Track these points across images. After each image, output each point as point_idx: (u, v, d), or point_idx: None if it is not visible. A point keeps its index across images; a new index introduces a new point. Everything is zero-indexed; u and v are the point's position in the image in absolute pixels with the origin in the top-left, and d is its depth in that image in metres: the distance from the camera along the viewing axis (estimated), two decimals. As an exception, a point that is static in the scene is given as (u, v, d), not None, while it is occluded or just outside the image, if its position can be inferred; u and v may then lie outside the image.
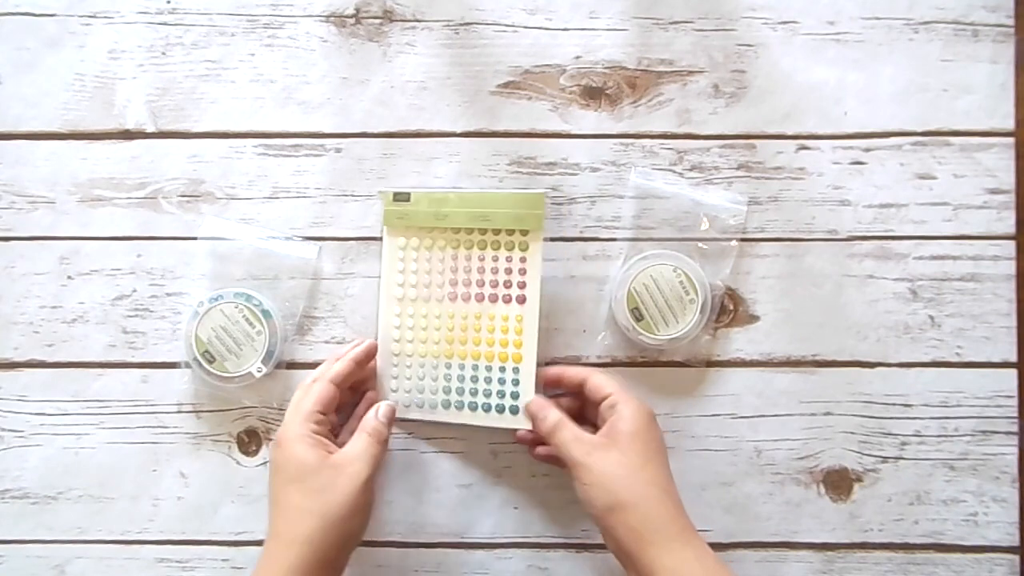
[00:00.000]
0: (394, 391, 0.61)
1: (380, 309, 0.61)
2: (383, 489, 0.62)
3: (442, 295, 0.61)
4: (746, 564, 0.62)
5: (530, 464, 0.63)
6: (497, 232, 0.60)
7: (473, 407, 0.60)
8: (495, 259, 0.60)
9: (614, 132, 0.64)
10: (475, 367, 0.60)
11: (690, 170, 0.63)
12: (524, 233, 0.59)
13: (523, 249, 0.60)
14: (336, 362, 0.58)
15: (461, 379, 0.61)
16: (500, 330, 0.60)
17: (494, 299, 0.60)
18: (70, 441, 0.63)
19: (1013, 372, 0.63)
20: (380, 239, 0.63)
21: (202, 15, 0.64)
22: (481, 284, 0.60)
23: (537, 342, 0.59)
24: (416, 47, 0.64)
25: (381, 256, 0.61)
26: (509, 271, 0.60)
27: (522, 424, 0.59)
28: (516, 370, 0.60)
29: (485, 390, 0.60)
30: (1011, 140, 0.63)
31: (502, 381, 0.60)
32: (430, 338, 0.61)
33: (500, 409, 0.60)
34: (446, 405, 0.61)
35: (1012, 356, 0.63)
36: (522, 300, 0.60)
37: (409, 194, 0.60)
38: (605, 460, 0.53)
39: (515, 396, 0.60)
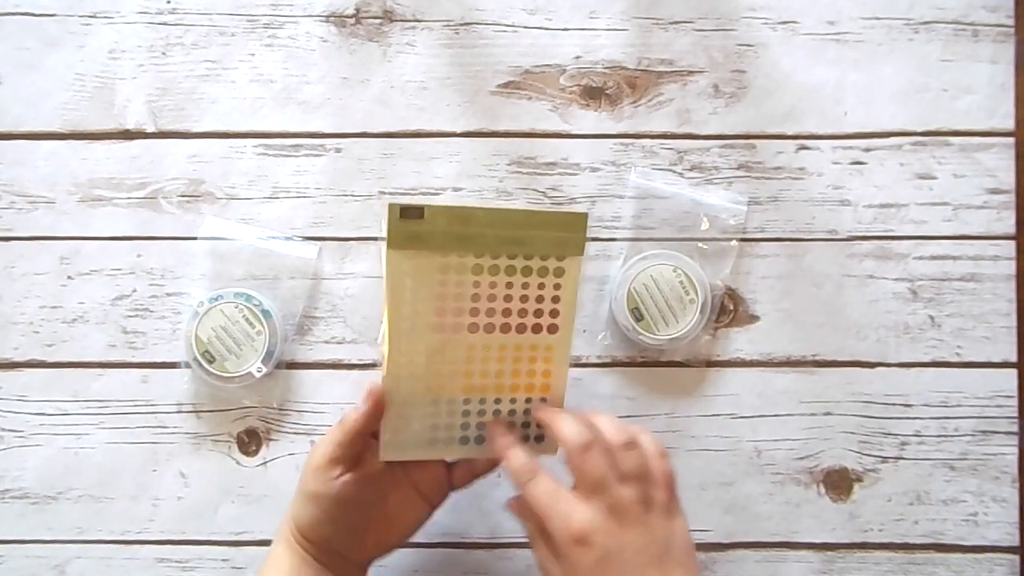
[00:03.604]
0: (402, 431, 0.53)
1: (388, 344, 0.51)
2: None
3: (460, 326, 0.51)
4: (746, 564, 0.62)
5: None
6: (530, 257, 0.50)
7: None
8: (525, 286, 0.51)
9: (614, 132, 0.64)
10: (497, 400, 0.53)
11: (690, 170, 0.63)
12: (561, 258, 0.51)
13: (558, 275, 0.51)
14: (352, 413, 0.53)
15: (481, 413, 0.53)
16: (527, 360, 0.53)
17: (522, 329, 0.52)
18: (70, 441, 0.63)
19: (1013, 372, 0.63)
20: (380, 239, 0.62)
21: (202, 15, 0.64)
22: (508, 314, 0.51)
23: (567, 371, 0.53)
24: (416, 47, 0.64)
25: (385, 281, 0.50)
26: (541, 299, 0.51)
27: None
28: (543, 400, 0.54)
29: (508, 422, 0.54)
30: (1011, 140, 0.63)
31: (527, 412, 0.54)
32: (445, 373, 0.52)
33: (525, 439, 0.54)
34: (464, 441, 0.54)
35: (1012, 356, 0.63)
36: (553, 329, 0.52)
37: (423, 209, 0.48)
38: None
39: (540, 425, 0.54)
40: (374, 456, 0.53)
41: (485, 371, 0.53)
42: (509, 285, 0.51)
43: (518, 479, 0.49)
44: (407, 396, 0.52)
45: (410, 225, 0.48)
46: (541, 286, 0.51)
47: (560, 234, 0.51)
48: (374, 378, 0.53)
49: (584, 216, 0.51)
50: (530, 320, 0.52)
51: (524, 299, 0.51)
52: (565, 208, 0.63)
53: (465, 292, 0.51)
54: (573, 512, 0.47)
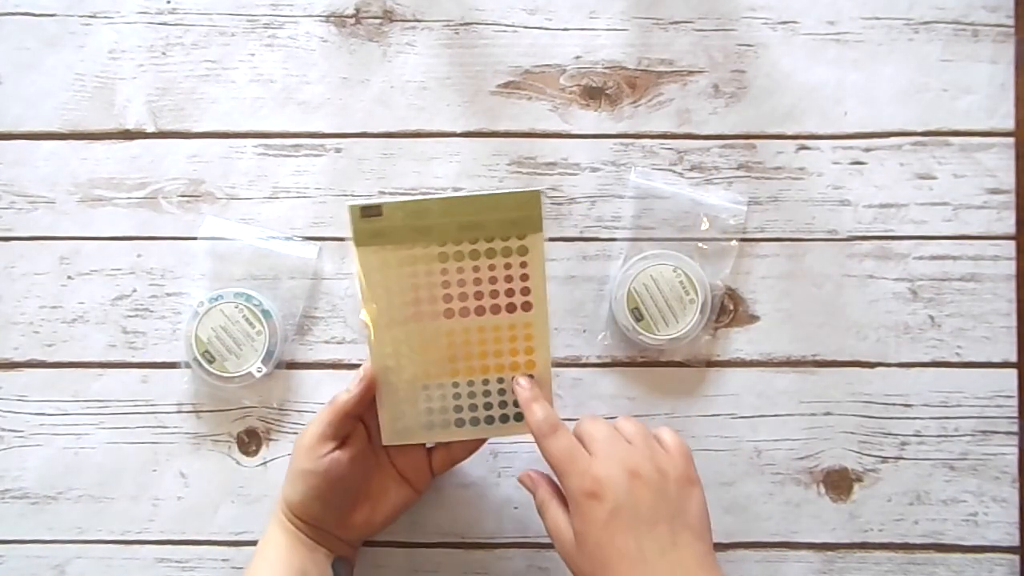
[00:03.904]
0: (399, 418, 0.56)
1: (369, 338, 0.54)
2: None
3: (436, 314, 0.54)
4: (746, 564, 0.62)
5: (530, 464, 0.63)
6: (491, 240, 0.53)
7: (489, 420, 0.56)
8: (492, 268, 0.53)
9: (614, 132, 0.64)
10: (485, 381, 0.55)
11: (690, 170, 0.63)
12: (521, 237, 0.53)
13: (522, 254, 0.53)
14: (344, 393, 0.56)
15: (472, 395, 0.56)
16: (508, 340, 0.54)
17: (496, 310, 0.54)
18: (70, 441, 0.63)
19: (1013, 372, 0.63)
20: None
21: (202, 15, 0.64)
22: (480, 297, 0.54)
23: (550, 346, 0.55)
24: (416, 47, 0.64)
25: (358, 278, 0.53)
26: (510, 278, 0.53)
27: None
28: (530, 377, 0.55)
29: (500, 402, 0.56)
30: (1011, 140, 0.63)
31: None
32: (430, 359, 0.55)
33: (518, 418, 0.56)
34: (460, 423, 0.56)
35: (1012, 356, 0.63)
36: (528, 307, 0.54)
37: (380, 207, 0.52)
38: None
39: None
40: (360, 437, 0.56)
41: (469, 354, 0.55)
42: (476, 269, 0.53)
43: (539, 431, 0.51)
44: (397, 384, 0.55)
45: (372, 223, 0.52)
46: (507, 266, 0.53)
47: (515, 214, 0.52)
48: (365, 362, 0.55)
49: (536, 194, 0.52)
50: (503, 300, 0.54)
51: (493, 280, 0.54)
52: (565, 207, 0.63)
53: (435, 280, 0.53)
54: (590, 466, 0.49)
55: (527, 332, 0.55)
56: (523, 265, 0.53)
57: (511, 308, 0.54)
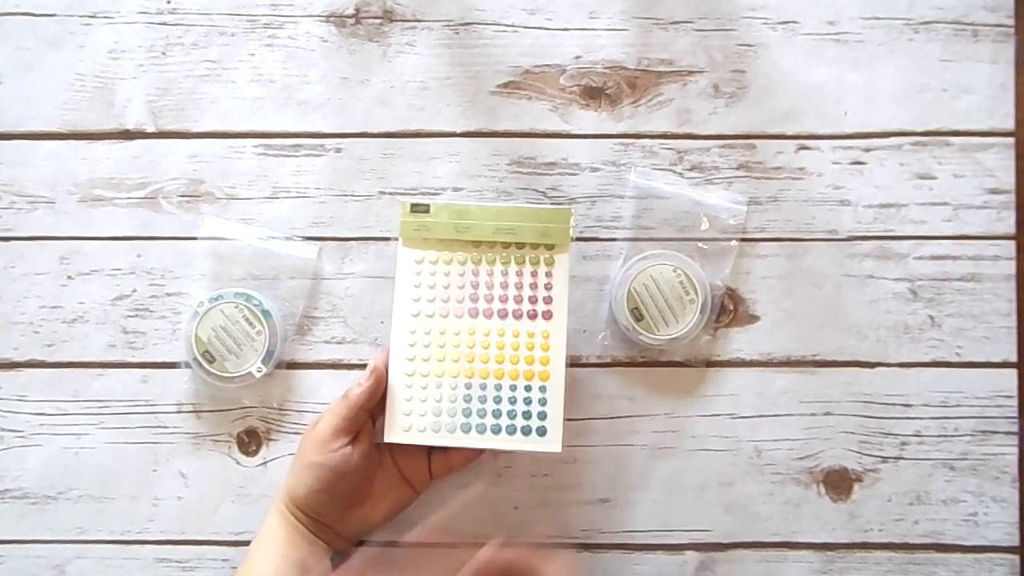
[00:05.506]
0: (407, 414, 0.57)
1: (393, 324, 0.58)
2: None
3: (462, 311, 0.58)
4: (746, 564, 0.62)
5: (530, 464, 0.63)
6: (521, 247, 0.58)
7: (496, 429, 0.57)
8: (519, 274, 0.58)
9: (614, 132, 0.64)
10: (498, 387, 0.57)
11: (690, 170, 0.63)
12: (550, 248, 0.58)
13: (549, 264, 0.58)
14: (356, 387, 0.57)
15: (483, 399, 0.57)
16: (525, 347, 0.57)
17: (518, 315, 0.57)
18: (70, 441, 0.63)
19: (1013, 372, 0.63)
20: (380, 239, 0.63)
21: (202, 15, 0.64)
22: (504, 300, 0.58)
23: (565, 359, 0.57)
24: (416, 47, 0.64)
25: (396, 268, 0.58)
26: (534, 286, 0.58)
27: (550, 446, 0.56)
28: (543, 388, 0.57)
29: (509, 411, 0.57)
30: (1011, 140, 0.63)
31: (528, 401, 0.57)
32: (448, 356, 0.57)
33: (526, 431, 0.57)
34: (466, 428, 0.57)
35: (1012, 356, 0.63)
36: (548, 316, 0.57)
37: (428, 205, 0.57)
38: None
39: (542, 416, 0.56)
40: (368, 435, 0.57)
41: (486, 356, 0.57)
42: (505, 273, 0.58)
43: None
44: (412, 378, 0.57)
45: (419, 218, 0.57)
46: (534, 274, 0.58)
47: (547, 225, 0.57)
48: (375, 356, 0.58)
49: (568, 211, 0.58)
50: (526, 306, 0.58)
51: (519, 286, 0.58)
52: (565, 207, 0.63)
53: (467, 279, 0.58)
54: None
55: (545, 342, 0.57)
56: (548, 275, 0.58)
57: (532, 315, 0.58)
